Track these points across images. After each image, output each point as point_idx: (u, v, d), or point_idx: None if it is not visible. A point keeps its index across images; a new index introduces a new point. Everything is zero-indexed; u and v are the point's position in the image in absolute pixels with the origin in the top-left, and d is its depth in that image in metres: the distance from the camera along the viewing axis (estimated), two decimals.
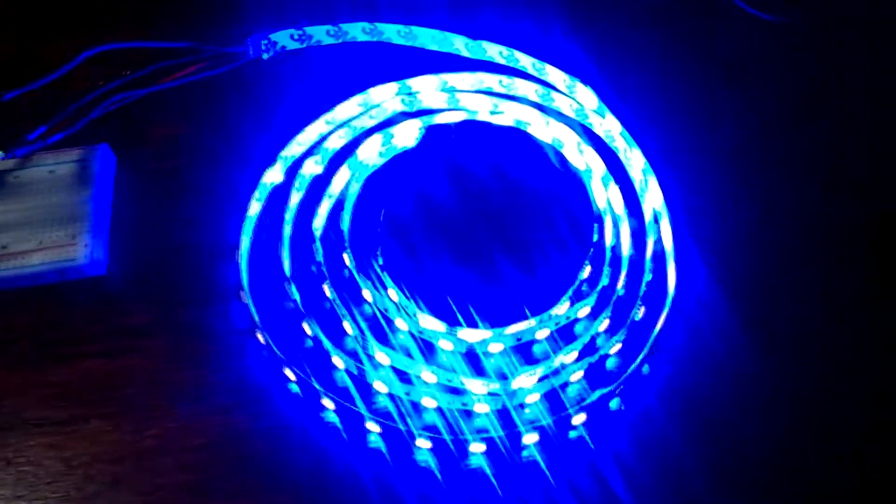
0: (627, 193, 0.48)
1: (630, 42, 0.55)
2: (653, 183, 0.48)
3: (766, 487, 0.39)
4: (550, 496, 0.39)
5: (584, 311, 0.44)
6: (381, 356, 0.42)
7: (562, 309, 0.44)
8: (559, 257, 0.46)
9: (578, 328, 0.44)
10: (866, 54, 0.55)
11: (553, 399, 0.42)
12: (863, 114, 0.52)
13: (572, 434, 0.41)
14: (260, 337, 0.43)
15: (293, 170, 0.50)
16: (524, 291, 0.45)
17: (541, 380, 0.41)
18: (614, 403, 0.42)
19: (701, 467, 0.39)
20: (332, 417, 0.41)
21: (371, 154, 0.50)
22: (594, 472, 0.39)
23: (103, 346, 0.44)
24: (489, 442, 0.40)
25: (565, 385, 0.42)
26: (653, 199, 0.47)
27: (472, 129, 0.52)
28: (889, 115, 0.52)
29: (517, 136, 0.51)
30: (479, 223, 0.48)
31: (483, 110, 0.52)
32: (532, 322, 0.43)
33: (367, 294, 0.45)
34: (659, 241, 0.46)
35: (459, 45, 0.55)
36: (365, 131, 0.52)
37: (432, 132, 0.51)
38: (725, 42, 0.55)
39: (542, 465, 0.40)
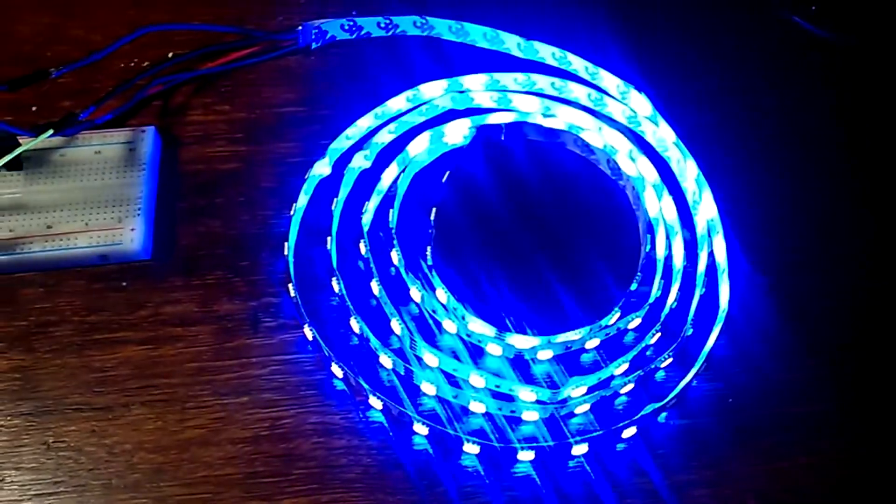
0: (681, 204, 0.47)
1: (686, 52, 0.54)
2: (707, 194, 0.47)
3: None
4: None
5: (634, 322, 0.43)
6: (430, 357, 0.42)
7: (612, 319, 0.43)
8: (610, 267, 0.46)
9: (628, 340, 0.44)
10: None
11: (601, 411, 0.41)
12: None
13: (620, 447, 0.40)
14: (307, 332, 0.43)
15: (341, 163, 0.49)
16: (574, 300, 0.44)
17: (590, 390, 0.41)
18: (662, 418, 0.41)
19: (753, 487, 0.39)
20: (380, 417, 0.41)
21: (420, 150, 0.50)
22: (646, 486, 0.39)
23: (146, 334, 0.44)
24: (538, 450, 0.39)
25: (615, 397, 0.41)
26: (706, 210, 0.47)
27: (524, 132, 0.51)
28: None
29: (569, 140, 0.51)
30: (529, 228, 0.47)
31: (534, 112, 0.51)
32: (582, 332, 0.42)
33: (415, 293, 0.44)
34: (712, 255, 0.46)
35: (511, 44, 0.55)
36: (414, 127, 0.51)
37: (483, 132, 0.51)
38: (784, 60, 0.55)
39: (591, 475, 0.39)
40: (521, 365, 0.43)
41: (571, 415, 0.41)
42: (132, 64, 0.53)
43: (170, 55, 0.54)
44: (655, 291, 0.44)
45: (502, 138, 0.51)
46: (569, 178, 0.50)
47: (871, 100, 0.53)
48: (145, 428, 0.41)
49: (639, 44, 0.55)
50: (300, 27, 0.54)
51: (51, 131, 0.46)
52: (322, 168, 0.49)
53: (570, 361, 0.43)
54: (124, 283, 0.45)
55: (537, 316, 0.44)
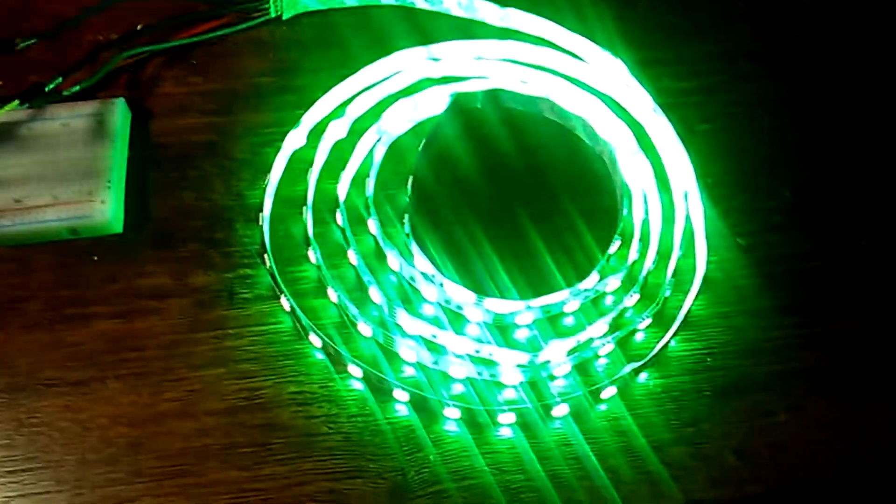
0: (658, 169, 0.47)
1: (664, 18, 0.54)
2: (683, 158, 0.47)
3: (793, 465, 0.39)
4: (580, 466, 0.38)
5: (613, 284, 0.43)
6: (409, 324, 0.42)
7: (590, 282, 0.43)
8: (589, 231, 0.46)
9: (607, 302, 0.44)
10: None
11: (582, 372, 0.41)
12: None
13: (600, 407, 0.40)
14: (284, 303, 0.42)
15: (316, 133, 0.48)
16: (553, 264, 0.44)
17: (570, 352, 0.41)
18: (641, 378, 0.41)
19: (729, 443, 0.39)
20: (360, 385, 0.41)
21: (397, 120, 0.49)
22: (624, 445, 0.39)
23: (119, 307, 0.43)
24: (518, 413, 0.39)
25: (595, 358, 0.41)
26: (682, 174, 0.47)
27: (501, 99, 0.51)
28: None
29: (546, 108, 0.50)
30: (507, 194, 0.47)
31: (512, 79, 0.51)
32: (561, 294, 0.42)
33: (392, 261, 0.44)
34: (689, 218, 0.46)
35: (487, 12, 0.54)
36: (390, 96, 0.50)
37: (459, 100, 0.50)
38: (761, 26, 0.54)
39: (571, 436, 0.39)
40: (502, 330, 0.43)
41: (552, 377, 0.41)
42: (101, 37, 0.52)
43: (139, 27, 0.52)
44: (633, 254, 0.44)
45: (479, 106, 0.51)
46: (546, 144, 0.49)
47: (848, 66, 0.53)
48: (120, 402, 0.40)
49: (620, 12, 0.54)
50: None
51: (16, 102, 0.44)
52: (296, 138, 0.48)
53: (550, 325, 0.43)
54: (95, 258, 0.44)
55: (517, 280, 0.44)
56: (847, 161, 0.49)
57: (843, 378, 0.41)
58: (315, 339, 0.41)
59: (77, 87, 0.48)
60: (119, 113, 0.48)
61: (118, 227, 0.45)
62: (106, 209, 0.44)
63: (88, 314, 0.43)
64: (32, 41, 0.49)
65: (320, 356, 0.42)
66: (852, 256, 0.45)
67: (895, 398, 0.41)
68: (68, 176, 0.45)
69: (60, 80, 0.47)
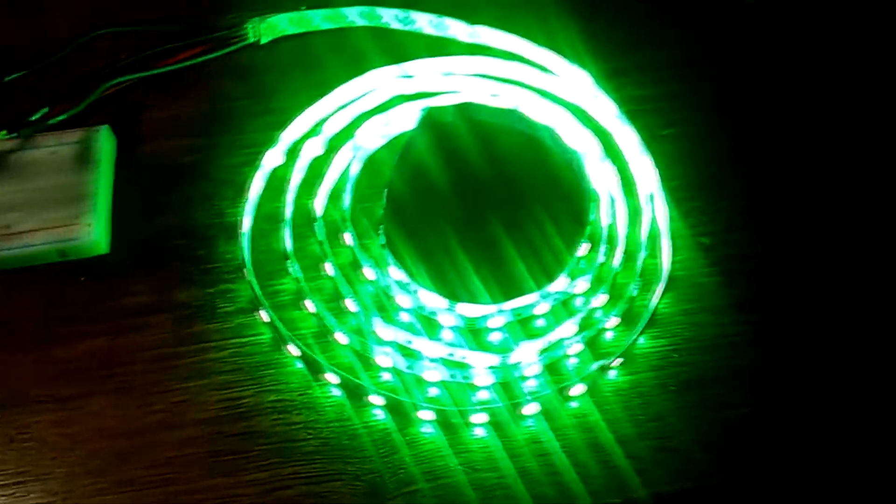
0: (624, 174, 0.49)
1: (627, 30, 0.56)
2: (647, 163, 0.48)
3: (756, 456, 0.40)
4: (549, 462, 0.40)
5: (581, 286, 0.45)
6: (384, 332, 0.43)
7: (560, 284, 0.45)
8: (558, 236, 0.47)
9: (576, 304, 0.45)
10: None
11: (552, 372, 0.42)
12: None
13: (571, 405, 0.41)
14: (263, 315, 0.44)
15: (293, 151, 0.50)
16: (523, 268, 0.46)
17: (541, 352, 0.42)
18: (609, 375, 0.42)
19: (694, 437, 0.40)
20: (337, 392, 0.42)
21: (371, 136, 0.51)
22: (592, 441, 0.40)
23: (106, 325, 0.45)
24: (490, 413, 0.41)
25: (565, 358, 0.43)
26: (647, 179, 0.48)
27: (471, 112, 0.52)
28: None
29: (515, 119, 0.52)
30: (478, 203, 0.49)
31: (482, 93, 0.53)
32: (532, 297, 0.44)
33: (368, 272, 0.46)
34: (654, 220, 0.47)
35: (457, 30, 0.56)
36: (365, 114, 0.52)
37: (432, 114, 0.52)
38: (717, 32, 0.56)
39: (541, 434, 0.40)
40: (475, 334, 0.44)
41: (523, 377, 0.42)
42: (86, 66, 0.54)
43: (123, 56, 0.55)
44: (601, 257, 0.46)
45: (450, 119, 0.53)
46: (516, 154, 0.51)
47: (805, 67, 0.55)
48: (108, 415, 0.42)
49: (584, 26, 0.56)
50: (249, 23, 0.55)
51: (3, 132, 0.47)
52: (274, 156, 0.50)
53: (521, 327, 0.44)
54: (83, 278, 0.46)
55: (489, 285, 0.45)
56: (804, 162, 0.50)
57: (800, 371, 0.42)
58: (293, 349, 0.43)
59: (63, 116, 0.50)
60: (104, 140, 0.50)
61: (104, 248, 0.47)
62: (92, 231, 0.46)
63: (77, 332, 0.44)
64: (20, 73, 0.51)
65: (299, 365, 0.43)
66: (808, 254, 0.46)
67: (850, 392, 0.42)
68: (56, 201, 0.47)
69: (46, 109, 0.49)
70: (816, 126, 0.52)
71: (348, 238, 0.47)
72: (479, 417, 0.41)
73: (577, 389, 0.41)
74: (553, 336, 0.43)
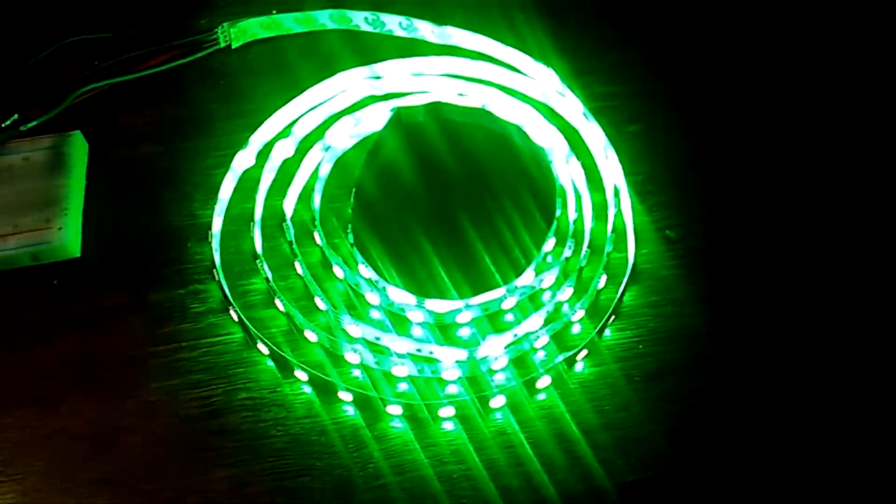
0: (590, 169, 0.50)
1: (593, 30, 0.57)
2: (613, 158, 0.49)
3: (718, 448, 0.41)
4: (515, 454, 0.40)
5: (548, 280, 0.46)
6: (353, 329, 0.44)
7: (527, 279, 0.45)
8: (525, 231, 0.48)
9: (543, 297, 0.46)
10: None
11: (520, 365, 0.43)
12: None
13: (538, 397, 0.42)
14: (233, 314, 0.45)
15: (264, 153, 0.51)
16: (491, 263, 0.46)
17: (508, 346, 0.43)
18: (575, 367, 0.43)
19: (657, 427, 0.41)
20: (307, 389, 0.43)
21: (341, 136, 0.52)
22: (557, 432, 0.41)
23: (79, 327, 0.45)
24: (457, 406, 0.41)
25: (532, 351, 0.43)
26: (613, 174, 0.49)
27: (440, 112, 0.53)
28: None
29: (483, 118, 0.53)
30: (446, 200, 0.49)
31: (451, 93, 0.53)
32: (499, 292, 0.44)
33: (337, 270, 0.46)
34: (619, 215, 0.48)
35: (426, 31, 0.57)
36: (335, 115, 0.53)
37: (401, 114, 0.53)
38: (681, 31, 0.57)
39: (507, 426, 0.41)
40: (443, 328, 0.45)
41: (491, 371, 0.43)
42: (59, 73, 0.55)
43: (95, 63, 0.55)
44: (566, 251, 0.46)
45: (421, 119, 0.53)
46: (484, 151, 0.52)
47: (767, 66, 0.56)
48: (81, 416, 0.42)
49: (552, 26, 0.57)
50: (220, 27, 0.56)
51: None
52: (244, 158, 0.51)
53: (490, 322, 0.45)
54: (55, 281, 0.47)
55: (457, 281, 0.46)
56: (765, 157, 0.51)
57: (761, 360, 0.43)
58: (263, 348, 0.43)
59: (35, 122, 0.50)
60: (76, 145, 0.50)
61: (76, 252, 0.47)
62: (64, 235, 0.47)
63: (49, 335, 0.45)
64: None
65: (269, 363, 0.44)
66: (768, 247, 0.47)
67: (812, 379, 0.43)
68: (28, 206, 0.48)
69: (17, 116, 0.50)
70: (777, 121, 0.53)
71: (317, 238, 0.47)
72: (447, 411, 0.41)
73: (544, 382, 0.42)
74: (520, 330, 0.43)
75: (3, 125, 0.49)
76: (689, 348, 0.43)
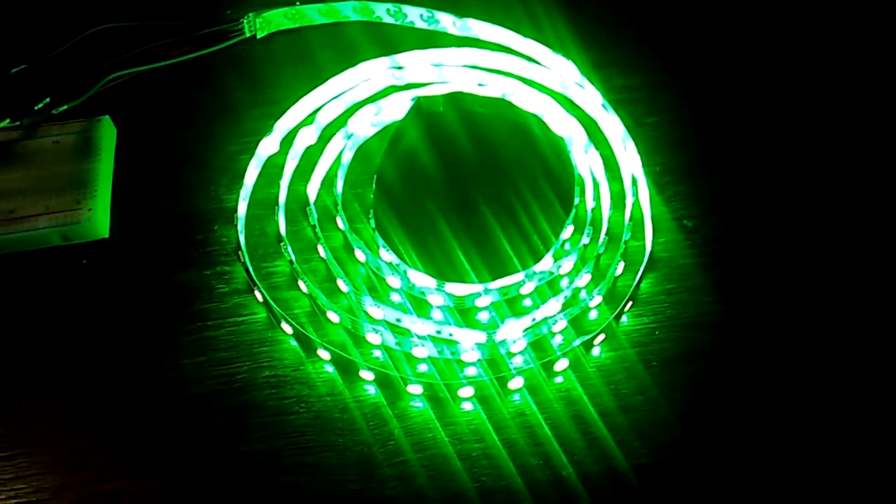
0: (609, 158, 0.51)
1: (611, 21, 0.58)
2: (631, 149, 0.50)
3: (733, 432, 0.41)
4: (533, 434, 0.41)
5: (566, 266, 0.46)
6: (374, 311, 0.44)
7: (545, 264, 0.46)
8: (543, 218, 0.48)
9: (561, 283, 0.46)
10: None
11: (538, 349, 0.44)
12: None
13: (555, 379, 0.43)
14: (258, 295, 0.46)
15: (288, 140, 0.52)
16: (510, 249, 0.47)
17: (526, 330, 0.44)
18: (592, 352, 0.44)
19: (674, 410, 0.42)
20: (328, 367, 0.43)
21: (363, 124, 0.53)
22: (575, 414, 0.41)
23: (107, 305, 0.46)
24: (476, 386, 0.42)
25: (550, 335, 0.44)
26: (631, 164, 0.50)
27: (460, 102, 0.54)
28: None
29: (502, 107, 0.54)
30: (467, 188, 0.50)
31: (470, 83, 0.54)
32: (517, 277, 0.45)
33: (359, 254, 0.47)
34: (637, 204, 0.48)
35: (447, 23, 0.58)
36: (357, 105, 0.54)
37: (421, 103, 0.53)
38: (700, 23, 0.58)
39: (526, 407, 0.42)
40: (462, 312, 0.45)
41: (509, 354, 0.44)
42: (88, 59, 0.56)
43: (123, 51, 0.56)
44: (585, 239, 0.47)
45: (441, 109, 0.54)
46: (504, 141, 0.53)
47: (787, 59, 0.56)
48: (109, 392, 0.43)
49: (571, 17, 0.58)
50: (245, 18, 0.57)
51: (7, 120, 0.48)
52: (269, 145, 0.52)
53: (508, 306, 0.46)
54: (84, 261, 0.48)
55: (476, 265, 0.47)
56: (783, 148, 0.52)
57: (776, 347, 0.44)
58: (287, 327, 0.44)
59: (65, 107, 0.52)
60: (105, 129, 0.52)
61: (104, 232, 0.48)
62: (92, 215, 0.48)
63: (79, 315, 0.46)
64: (24, 66, 0.53)
65: (293, 343, 0.45)
66: (786, 236, 0.48)
67: (828, 369, 0.43)
68: (58, 188, 0.49)
69: (48, 100, 0.51)
70: (797, 113, 0.53)
71: (340, 222, 0.48)
72: (466, 391, 0.42)
73: (561, 364, 0.43)
74: (538, 314, 0.44)
75: (35, 108, 0.51)
76: (705, 335, 0.44)
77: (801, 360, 0.43)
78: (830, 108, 0.54)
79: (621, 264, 0.46)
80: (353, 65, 0.54)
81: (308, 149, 0.52)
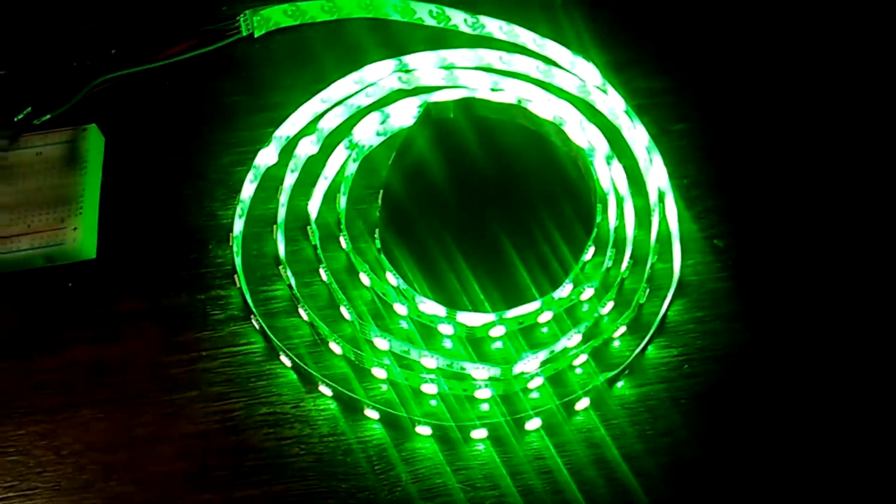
0: (633, 172, 0.47)
1: (633, 18, 0.53)
2: (657, 161, 0.46)
3: (767, 475, 0.38)
4: (552, 480, 0.38)
5: (587, 293, 0.43)
6: (380, 342, 0.41)
7: (564, 291, 0.42)
8: (563, 238, 0.45)
9: (582, 311, 0.43)
10: None
11: (556, 384, 0.41)
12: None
13: (575, 418, 0.40)
14: (255, 323, 0.42)
15: (288, 150, 0.48)
16: (526, 274, 0.44)
17: (544, 364, 0.40)
18: (616, 387, 0.41)
19: (704, 453, 0.38)
20: (331, 404, 0.40)
21: (368, 133, 0.49)
22: (598, 457, 0.38)
23: (94, 333, 0.43)
24: (491, 428, 0.39)
25: (569, 368, 0.41)
26: (657, 177, 0.46)
27: (473, 108, 0.50)
28: None
29: (518, 114, 0.50)
30: (479, 204, 0.47)
31: (483, 87, 0.50)
32: (535, 305, 0.42)
33: (364, 278, 0.44)
34: (664, 222, 0.45)
35: (458, 20, 0.54)
36: (361, 110, 0.50)
37: (431, 110, 0.50)
38: (731, 21, 0.54)
39: (544, 450, 0.39)
40: (475, 342, 0.42)
41: (526, 390, 0.40)
42: (75, 63, 0.52)
43: (112, 52, 0.53)
44: (607, 261, 0.43)
45: (451, 115, 0.50)
46: (519, 151, 0.49)
47: (827, 56, 0.52)
48: (94, 428, 0.40)
49: (589, 14, 0.54)
50: (242, 15, 0.53)
51: None
52: (267, 156, 0.48)
53: (524, 337, 0.42)
54: (70, 284, 0.45)
55: (490, 292, 0.43)
56: (826, 157, 0.48)
57: (820, 383, 0.40)
58: (285, 360, 0.41)
59: (48, 116, 0.48)
60: (91, 139, 0.48)
61: (91, 253, 0.45)
62: (78, 236, 0.45)
63: (62, 341, 0.43)
64: (2, 72, 0.49)
65: (292, 377, 0.41)
66: (829, 257, 0.44)
67: (868, 402, 0.40)
68: (41, 204, 0.46)
69: (30, 109, 0.47)
70: (842, 118, 0.49)
71: (343, 242, 0.45)
72: (480, 433, 0.39)
73: (582, 403, 0.40)
74: (557, 346, 0.41)
75: (15, 119, 0.47)
76: (739, 369, 0.41)
77: (847, 393, 0.40)
78: (884, 111, 0.49)
79: (647, 290, 0.43)
80: (357, 66, 0.51)
81: (309, 159, 0.49)
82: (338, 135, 0.49)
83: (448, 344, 0.42)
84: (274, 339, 0.41)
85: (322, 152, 0.48)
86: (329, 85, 0.50)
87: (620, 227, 0.45)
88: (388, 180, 0.48)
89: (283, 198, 0.47)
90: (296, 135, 0.49)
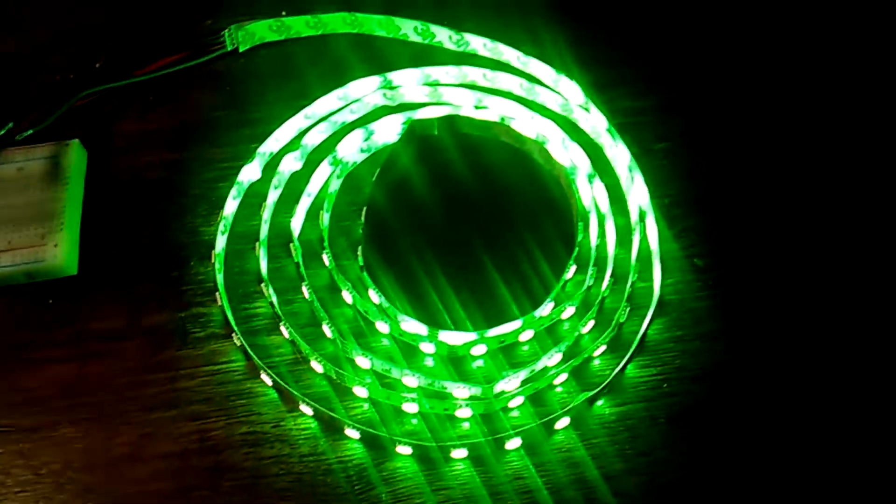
0: (614, 190, 0.47)
1: (617, 38, 0.54)
2: (638, 180, 0.46)
3: (745, 495, 0.38)
4: (532, 499, 0.38)
5: (568, 311, 0.43)
6: (361, 360, 0.41)
7: (545, 310, 0.43)
8: (544, 257, 0.45)
9: (563, 329, 0.43)
10: None
11: (536, 403, 0.41)
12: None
13: (555, 437, 0.40)
14: (236, 340, 0.42)
15: (271, 166, 0.48)
16: (509, 292, 0.44)
17: (524, 383, 0.40)
18: (596, 407, 0.41)
19: (683, 473, 0.38)
20: (312, 424, 0.40)
21: (351, 150, 0.49)
22: (578, 477, 0.38)
23: (73, 351, 0.43)
24: (471, 447, 0.39)
25: (550, 388, 0.41)
26: (638, 196, 0.46)
27: (456, 125, 0.50)
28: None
29: (501, 132, 0.50)
30: (462, 221, 0.47)
31: (467, 105, 0.51)
32: (516, 324, 0.42)
33: (346, 296, 0.44)
34: (644, 241, 0.45)
35: (443, 37, 0.54)
36: (345, 126, 0.50)
37: (415, 127, 0.50)
38: (714, 42, 0.54)
39: (524, 469, 0.39)
40: (457, 360, 0.42)
41: (506, 409, 0.40)
42: (56, 77, 0.52)
43: (96, 65, 0.53)
44: (588, 279, 0.44)
45: (435, 133, 0.51)
46: (502, 168, 0.49)
47: (808, 76, 0.52)
48: (73, 447, 0.40)
49: (574, 34, 0.54)
50: (227, 30, 0.53)
51: None
52: (251, 172, 0.48)
53: (505, 355, 0.42)
54: (50, 301, 0.44)
55: (471, 311, 0.43)
56: (806, 178, 0.48)
57: (796, 402, 0.41)
58: (266, 378, 0.41)
59: (30, 131, 0.48)
60: (74, 154, 0.48)
61: (73, 270, 0.45)
62: (59, 252, 0.44)
63: (42, 358, 0.43)
64: None
65: (273, 395, 0.41)
66: (810, 276, 0.44)
67: (851, 424, 0.40)
68: (22, 220, 0.45)
69: (11, 124, 0.47)
70: (820, 140, 0.49)
71: (326, 260, 0.45)
72: (460, 453, 0.39)
73: (563, 422, 0.40)
74: (538, 365, 0.41)
75: None
76: (718, 388, 0.41)
77: (829, 413, 0.40)
78: (863, 132, 0.50)
79: (627, 309, 0.43)
80: (342, 83, 0.51)
81: (292, 175, 0.49)
82: (321, 151, 0.49)
83: (429, 362, 0.42)
84: (255, 357, 0.41)
85: (306, 168, 0.48)
86: (313, 101, 0.50)
87: (601, 245, 0.45)
88: (372, 197, 0.48)
89: (266, 214, 0.47)
90: (279, 151, 0.49)
